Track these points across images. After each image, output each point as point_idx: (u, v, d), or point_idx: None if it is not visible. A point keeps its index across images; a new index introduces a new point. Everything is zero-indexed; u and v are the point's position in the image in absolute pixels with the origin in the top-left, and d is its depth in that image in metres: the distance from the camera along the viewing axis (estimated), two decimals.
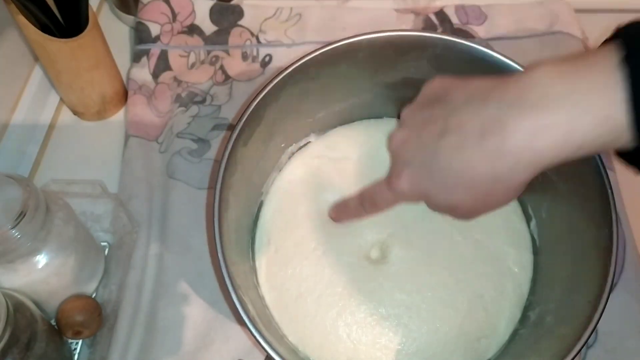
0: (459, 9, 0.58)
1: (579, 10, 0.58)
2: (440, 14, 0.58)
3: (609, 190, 0.34)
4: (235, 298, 0.33)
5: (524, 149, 0.24)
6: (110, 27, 0.59)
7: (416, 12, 0.58)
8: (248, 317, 0.32)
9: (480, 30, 0.57)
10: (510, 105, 0.25)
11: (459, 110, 0.27)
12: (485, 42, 0.57)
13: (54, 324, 0.39)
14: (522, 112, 0.24)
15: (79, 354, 0.41)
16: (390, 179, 0.31)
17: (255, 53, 0.56)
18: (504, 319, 0.40)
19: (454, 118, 0.27)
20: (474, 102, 0.27)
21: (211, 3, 0.57)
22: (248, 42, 0.57)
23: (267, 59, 0.56)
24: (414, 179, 0.29)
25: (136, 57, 0.55)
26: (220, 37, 0.57)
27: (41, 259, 0.37)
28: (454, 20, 0.58)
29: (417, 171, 0.29)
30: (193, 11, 0.57)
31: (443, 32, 0.56)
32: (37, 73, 0.55)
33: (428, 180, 0.29)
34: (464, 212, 0.30)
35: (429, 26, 0.57)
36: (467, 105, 0.27)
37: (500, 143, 0.25)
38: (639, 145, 0.23)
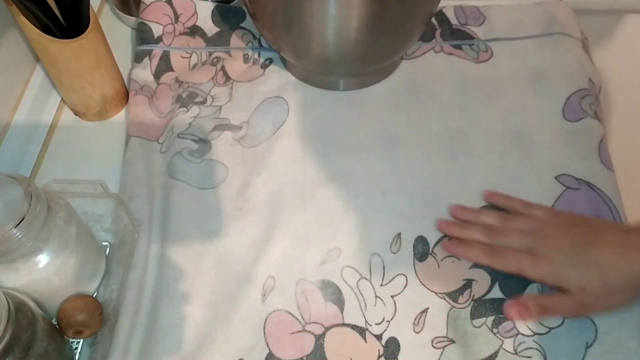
0: (458, 9, 0.58)
1: (577, 11, 0.58)
2: (440, 15, 0.58)
3: None
4: None
5: None
6: (111, 28, 0.60)
7: None
8: None
9: (478, 31, 0.57)
10: None
11: (606, 232, 0.39)
12: (484, 43, 0.57)
13: (55, 323, 0.39)
14: None
15: (80, 353, 0.41)
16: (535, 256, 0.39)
17: (256, 56, 0.56)
18: None
19: (603, 235, 0.39)
20: (615, 230, 0.40)
21: (213, 5, 0.57)
22: (250, 45, 0.57)
23: (267, 62, 0.56)
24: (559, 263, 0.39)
25: (138, 58, 0.55)
26: (221, 39, 0.57)
27: (42, 259, 0.37)
28: (453, 21, 0.58)
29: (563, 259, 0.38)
30: (195, 12, 0.57)
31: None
32: (38, 73, 0.55)
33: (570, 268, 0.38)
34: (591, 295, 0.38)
35: (428, 26, 0.57)
36: (610, 231, 0.40)
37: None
38: None
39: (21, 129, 0.51)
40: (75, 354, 0.41)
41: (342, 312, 0.42)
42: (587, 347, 0.40)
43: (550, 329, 0.41)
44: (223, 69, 0.55)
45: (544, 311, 0.40)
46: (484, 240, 0.42)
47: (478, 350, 0.40)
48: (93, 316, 0.39)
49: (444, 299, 0.42)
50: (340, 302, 0.42)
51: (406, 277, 0.43)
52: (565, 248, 0.39)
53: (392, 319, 0.42)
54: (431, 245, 0.45)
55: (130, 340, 0.40)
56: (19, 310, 0.34)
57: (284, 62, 0.56)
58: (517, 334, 0.41)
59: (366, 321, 0.42)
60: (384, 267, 0.44)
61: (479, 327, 0.41)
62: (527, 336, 0.41)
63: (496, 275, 0.43)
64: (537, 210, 0.43)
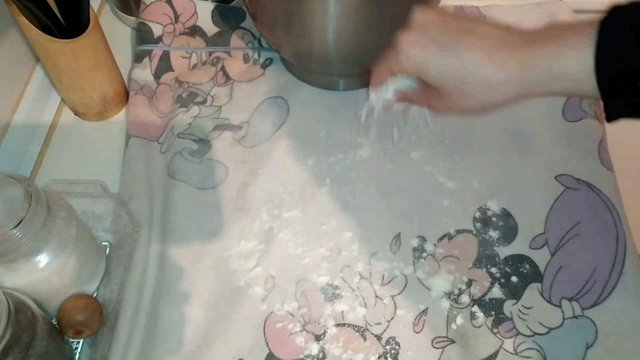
0: (458, 9, 0.58)
1: (577, 11, 0.58)
2: None
3: None
4: None
5: (523, 67, 0.29)
6: (111, 28, 0.60)
7: None
8: None
9: None
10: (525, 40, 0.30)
11: (484, 25, 0.32)
12: None
13: (55, 323, 0.39)
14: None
15: (80, 353, 0.41)
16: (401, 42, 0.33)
17: (256, 56, 0.56)
18: None
19: (480, 27, 0.32)
20: (498, 27, 0.32)
21: (213, 5, 0.57)
22: (250, 45, 0.57)
23: (267, 62, 0.56)
24: (425, 49, 0.32)
25: (138, 58, 0.55)
26: (221, 39, 0.57)
27: (42, 259, 0.37)
28: None
29: (430, 45, 0.32)
30: (195, 12, 0.57)
31: None
32: (38, 73, 0.55)
33: (435, 55, 0.32)
34: (447, 93, 0.33)
35: None
36: (492, 27, 0.32)
37: (507, 58, 0.30)
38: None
39: (21, 129, 0.51)
40: (75, 354, 0.41)
41: (342, 312, 0.42)
42: (587, 347, 0.40)
43: (550, 329, 0.41)
44: (223, 69, 0.55)
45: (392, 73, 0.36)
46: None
47: (478, 350, 0.40)
48: (93, 316, 0.39)
49: (444, 299, 0.42)
50: (340, 302, 0.42)
51: (406, 277, 0.43)
52: (434, 34, 0.32)
53: (392, 319, 0.42)
54: (431, 245, 0.45)
55: (130, 340, 0.40)
56: (19, 310, 0.34)
57: (284, 62, 0.56)
58: (517, 334, 0.41)
59: (366, 321, 0.42)
60: (384, 267, 0.44)
61: (479, 327, 0.41)
62: (527, 336, 0.41)
63: (496, 275, 0.43)
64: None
